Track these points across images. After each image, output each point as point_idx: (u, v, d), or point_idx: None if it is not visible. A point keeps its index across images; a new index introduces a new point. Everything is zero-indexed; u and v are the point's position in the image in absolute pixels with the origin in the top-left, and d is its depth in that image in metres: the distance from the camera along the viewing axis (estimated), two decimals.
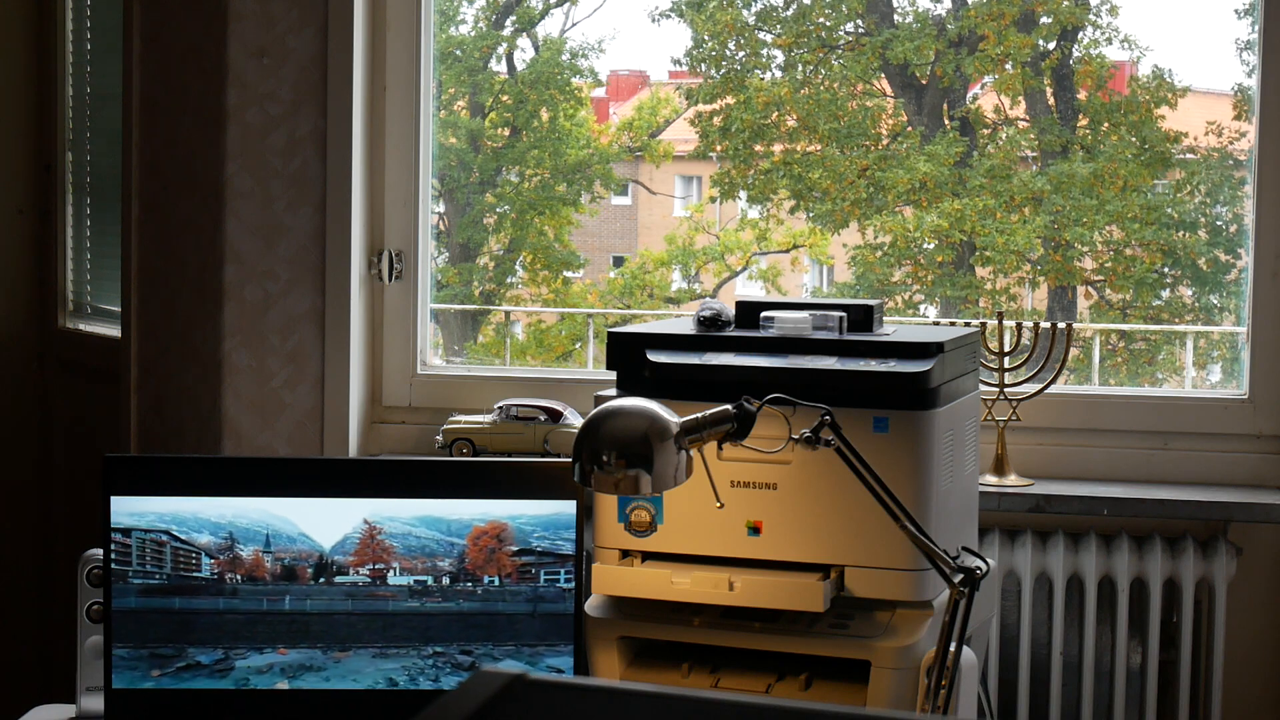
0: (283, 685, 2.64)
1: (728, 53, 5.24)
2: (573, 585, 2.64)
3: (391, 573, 2.64)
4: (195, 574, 2.62)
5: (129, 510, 2.60)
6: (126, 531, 2.61)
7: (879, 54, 5.03)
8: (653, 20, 5.10)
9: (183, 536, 2.61)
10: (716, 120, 5.19)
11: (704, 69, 5.26)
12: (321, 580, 2.63)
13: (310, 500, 2.62)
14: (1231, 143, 4.76)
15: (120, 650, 2.62)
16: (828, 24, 5.16)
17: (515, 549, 2.64)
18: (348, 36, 3.24)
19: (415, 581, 2.64)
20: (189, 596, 2.63)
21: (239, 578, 2.63)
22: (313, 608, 2.64)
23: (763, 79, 5.15)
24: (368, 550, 2.63)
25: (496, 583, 2.64)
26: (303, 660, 2.64)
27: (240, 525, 2.62)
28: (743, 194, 5.35)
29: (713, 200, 5.60)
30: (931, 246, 5.06)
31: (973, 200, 4.91)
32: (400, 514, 2.64)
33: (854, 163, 5.03)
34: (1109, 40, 5.09)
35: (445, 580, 2.64)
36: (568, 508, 2.63)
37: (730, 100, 5.15)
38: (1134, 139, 4.96)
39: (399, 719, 2.63)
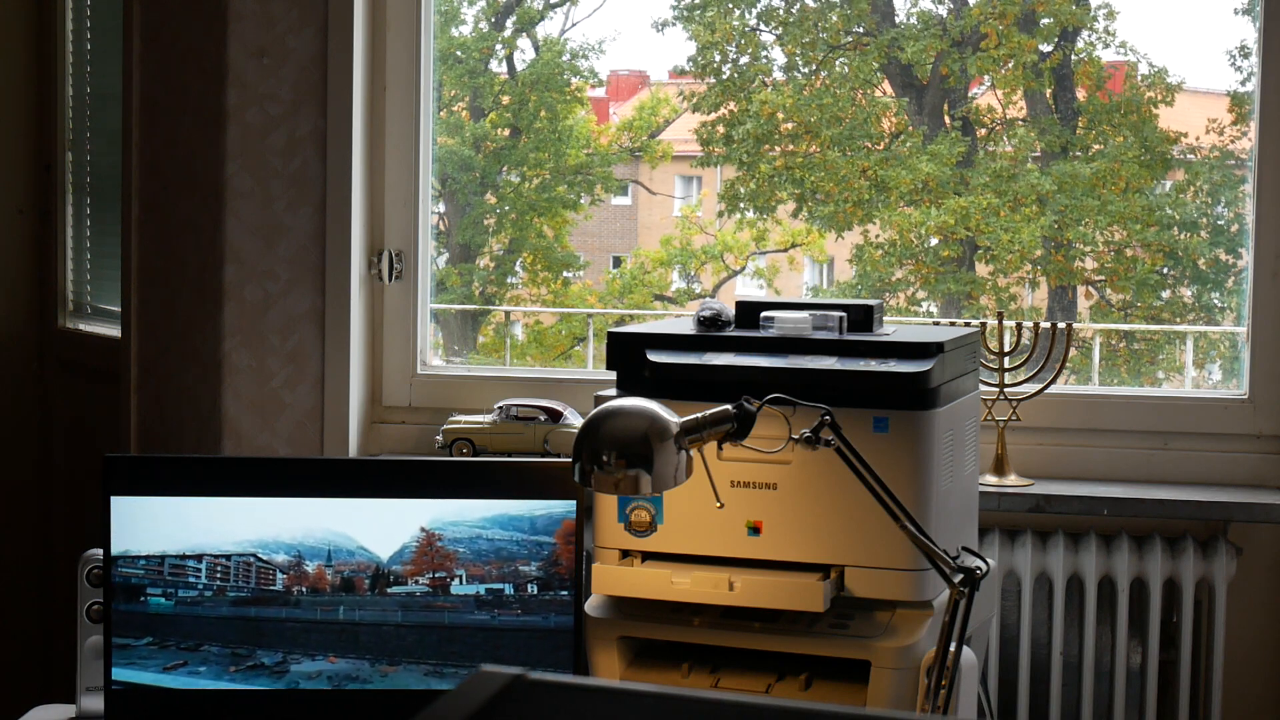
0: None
1: (730, 55, 5.24)
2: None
3: (456, 581, 2.60)
4: (271, 587, 2.63)
5: (228, 538, 2.63)
6: (228, 556, 2.62)
7: (882, 54, 5.03)
8: (656, 29, 5.11)
9: (264, 557, 2.62)
10: (720, 129, 5.20)
11: (706, 75, 5.26)
12: (374, 591, 2.61)
13: (314, 501, 2.62)
14: (1233, 142, 4.76)
15: (211, 647, 2.64)
16: (830, 25, 5.16)
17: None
18: (348, 36, 3.24)
19: (487, 591, 2.58)
20: (263, 606, 2.64)
21: (304, 589, 2.63)
22: (362, 618, 2.62)
23: (766, 88, 5.14)
24: (425, 559, 2.60)
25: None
26: (349, 670, 2.62)
27: (308, 544, 2.62)
28: (745, 205, 5.35)
29: (720, 216, 5.61)
30: (935, 242, 5.06)
31: (977, 198, 4.91)
32: (466, 516, 2.59)
33: (855, 163, 5.03)
34: (1105, 45, 5.09)
35: (531, 589, 2.58)
36: (566, 510, 2.62)
37: (733, 107, 5.16)
38: (1135, 139, 4.96)
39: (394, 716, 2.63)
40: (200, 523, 2.62)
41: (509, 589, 2.57)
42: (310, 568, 2.62)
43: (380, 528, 2.60)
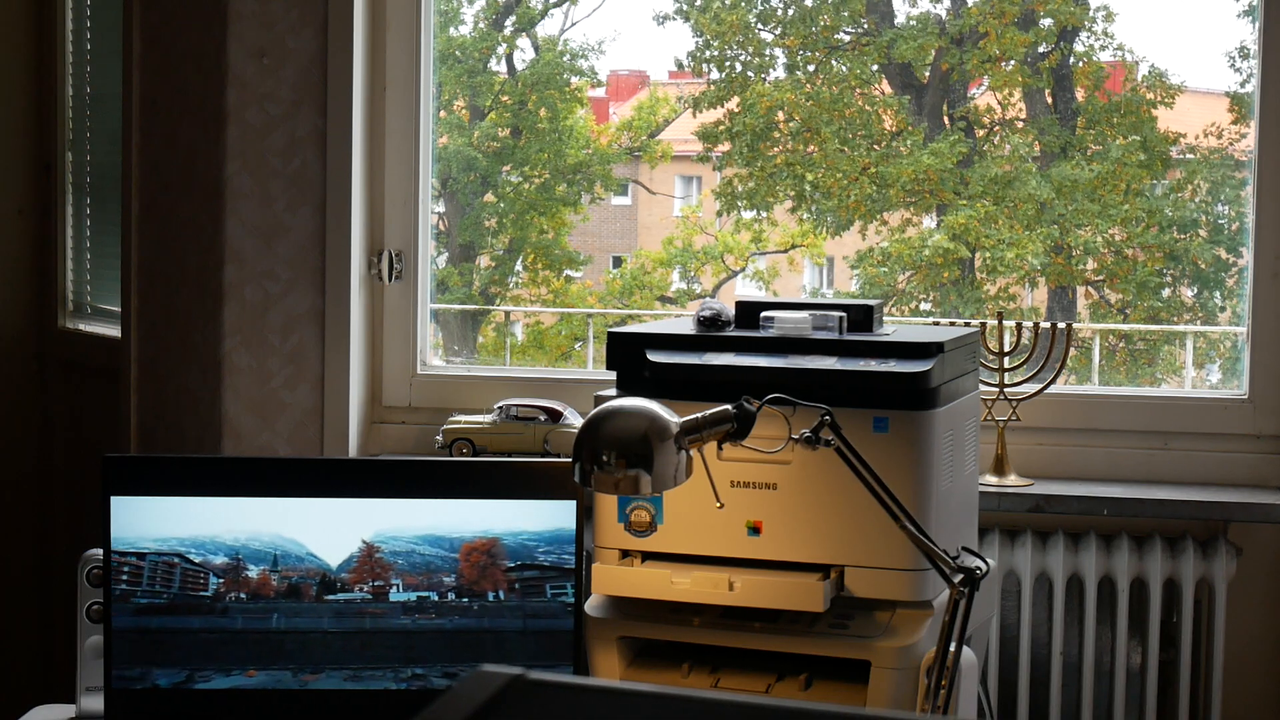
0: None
1: (730, 52, 5.24)
2: (572, 600, 2.63)
3: (394, 589, 2.61)
4: (201, 593, 2.60)
5: (150, 535, 2.59)
6: (140, 555, 2.60)
7: (882, 54, 5.03)
8: (657, 22, 5.11)
9: (196, 559, 2.60)
10: (721, 126, 5.20)
11: (707, 69, 5.26)
12: (317, 598, 2.61)
13: (311, 501, 2.62)
14: (1232, 144, 4.76)
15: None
16: (829, 24, 5.16)
17: (511, 564, 2.62)
18: (348, 36, 3.24)
19: (418, 597, 2.61)
20: (172, 615, 2.60)
21: (241, 595, 2.61)
22: (295, 625, 2.61)
23: (765, 83, 5.15)
24: (366, 567, 2.61)
25: (495, 598, 2.61)
26: (269, 683, 2.62)
27: (252, 547, 2.61)
28: (743, 203, 5.35)
29: (719, 215, 5.61)
30: (932, 253, 5.06)
31: (975, 209, 4.91)
32: (403, 533, 2.61)
33: (856, 161, 5.04)
34: (1103, 47, 5.10)
35: (450, 596, 2.61)
36: (567, 510, 2.62)
37: (734, 104, 5.16)
38: (1135, 138, 4.96)
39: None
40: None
41: (434, 596, 2.60)
42: (253, 572, 2.61)
43: (328, 534, 2.61)
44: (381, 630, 2.62)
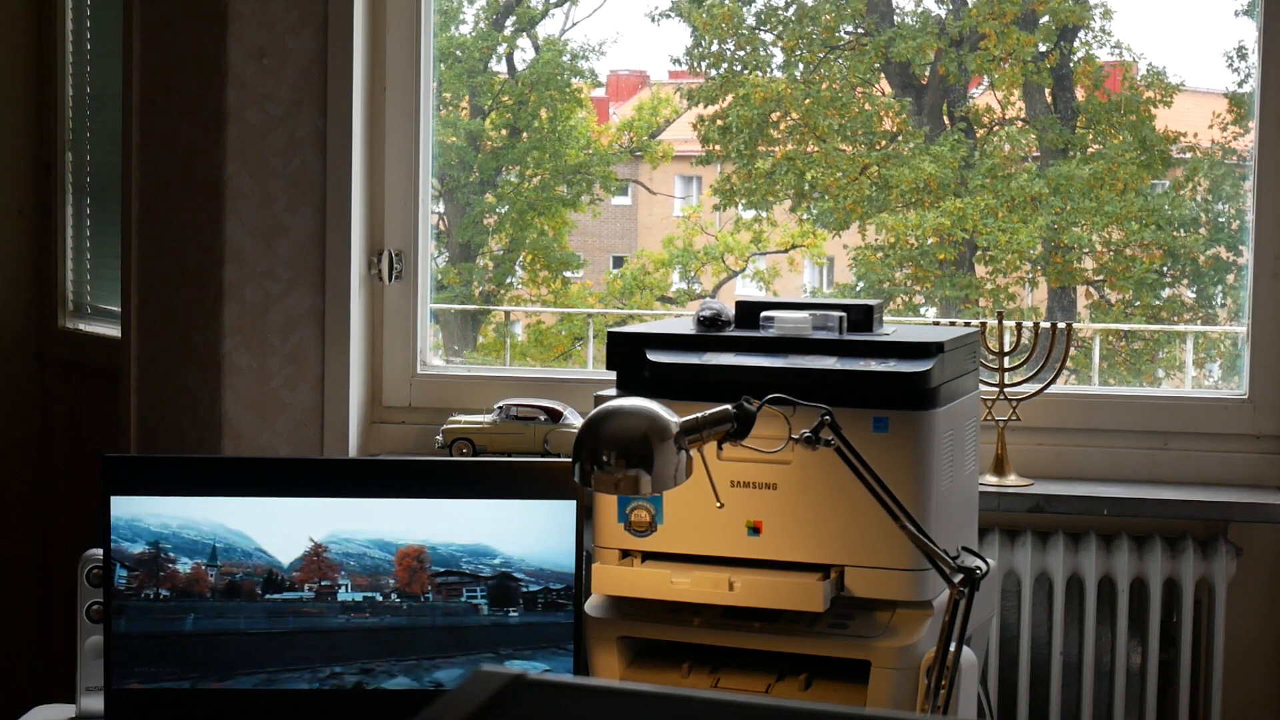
0: None
1: (728, 51, 5.24)
2: (485, 601, 2.64)
3: (342, 589, 2.63)
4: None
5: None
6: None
7: (881, 54, 5.03)
8: (653, 20, 5.11)
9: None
10: (719, 121, 5.19)
11: (704, 67, 5.26)
12: (259, 597, 2.62)
13: (297, 502, 2.61)
14: (1234, 140, 4.76)
15: None
16: (829, 23, 5.16)
17: (439, 570, 2.63)
18: (348, 36, 3.24)
19: (364, 598, 2.63)
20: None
21: (163, 592, 2.61)
22: (216, 627, 2.61)
23: (761, 76, 5.15)
24: (313, 567, 2.62)
25: (424, 599, 2.64)
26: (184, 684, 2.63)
27: (185, 537, 2.61)
28: (742, 201, 5.35)
29: (716, 209, 5.60)
30: (932, 242, 5.06)
31: (974, 200, 4.91)
32: (356, 537, 2.63)
33: (856, 161, 5.04)
34: (1101, 45, 5.10)
35: (393, 597, 2.64)
36: (566, 510, 2.62)
37: (730, 99, 5.16)
38: (1134, 139, 4.96)
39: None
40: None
41: (379, 596, 2.63)
42: (184, 567, 2.60)
43: (277, 533, 2.61)
44: (311, 630, 2.63)
